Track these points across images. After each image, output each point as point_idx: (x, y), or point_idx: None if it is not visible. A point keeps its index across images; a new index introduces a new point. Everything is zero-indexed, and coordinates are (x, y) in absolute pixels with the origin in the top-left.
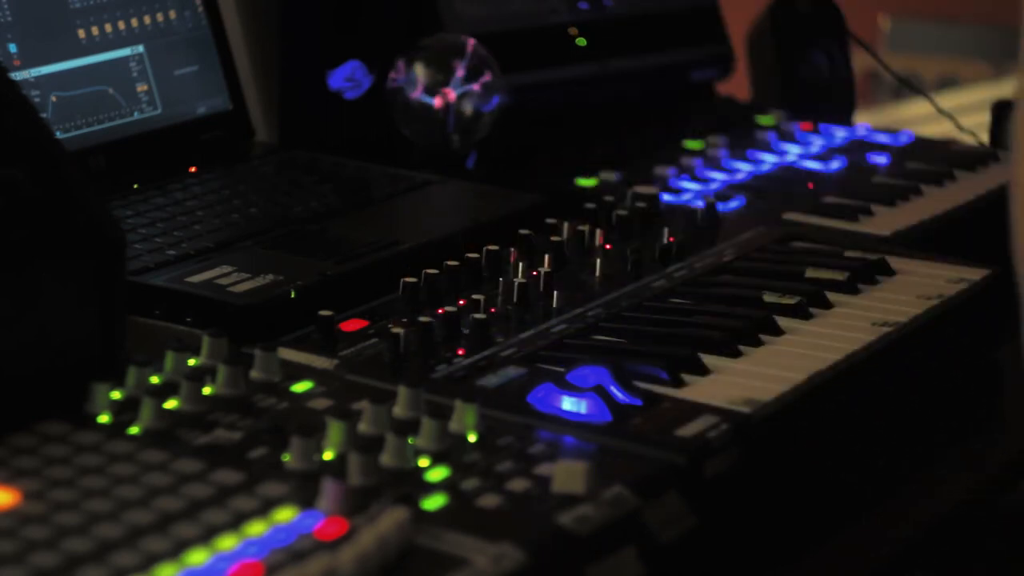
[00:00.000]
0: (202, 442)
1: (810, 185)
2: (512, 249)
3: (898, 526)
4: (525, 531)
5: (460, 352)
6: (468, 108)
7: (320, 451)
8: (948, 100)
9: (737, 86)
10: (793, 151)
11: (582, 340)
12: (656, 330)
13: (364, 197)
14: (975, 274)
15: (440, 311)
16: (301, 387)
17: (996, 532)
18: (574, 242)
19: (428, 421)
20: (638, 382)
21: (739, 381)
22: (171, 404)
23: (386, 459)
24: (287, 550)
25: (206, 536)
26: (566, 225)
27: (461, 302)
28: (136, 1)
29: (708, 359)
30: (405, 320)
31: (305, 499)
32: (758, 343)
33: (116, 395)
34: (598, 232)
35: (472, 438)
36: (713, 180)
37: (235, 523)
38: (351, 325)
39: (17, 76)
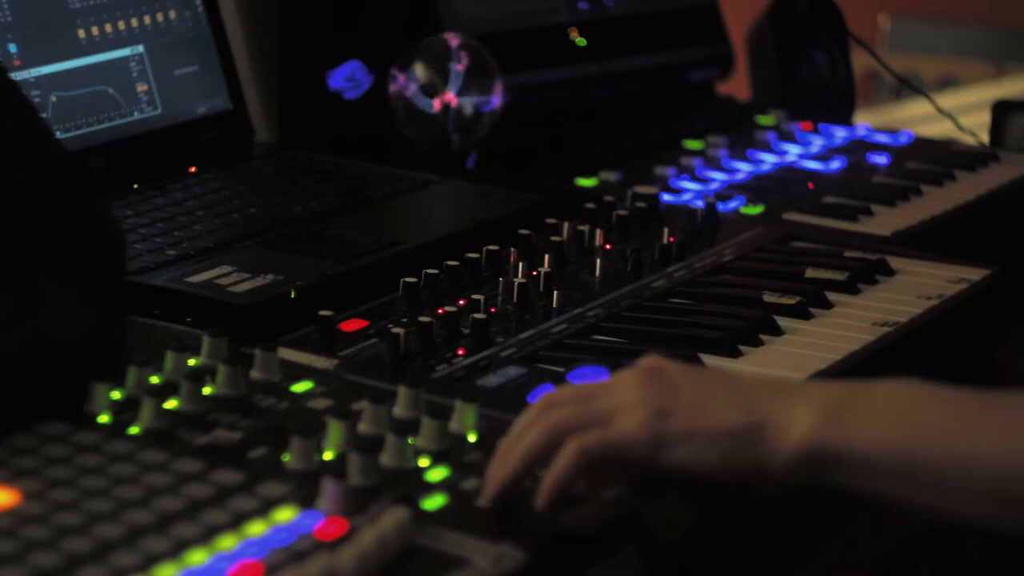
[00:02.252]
0: (202, 442)
1: (810, 185)
2: (512, 249)
3: (900, 523)
4: (525, 531)
5: (460, 352)
6: (468, 108)
7: (320, 451)
8: (948, 100)
9: (737, 86)
10: (793, 151)
11: (582, 340)
12: (656, 330)
13: (364, 197)
14: (975, 274)
15: (440, 311)
16: (301, 387)
17: None
18: (574, 242)
19: (428, 421)
20: None
21: None
22: (171, 404)
23: (386, 459)
24: (287, 550)
25: (206, 536)
26: (566, 225)
27: (461, 302)
28: (136, 1)
29: (708, 359)
30: (405, 320)
31: (305, 499)
32: (758, 343)
33: (116, 395)
34: (598, 232)
35: (472, 438)
36: (713, 180)
37: (235, 523)
38: (351, 325)
39: (17, 76)
